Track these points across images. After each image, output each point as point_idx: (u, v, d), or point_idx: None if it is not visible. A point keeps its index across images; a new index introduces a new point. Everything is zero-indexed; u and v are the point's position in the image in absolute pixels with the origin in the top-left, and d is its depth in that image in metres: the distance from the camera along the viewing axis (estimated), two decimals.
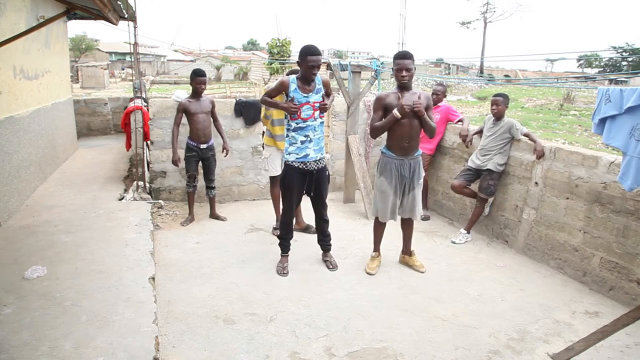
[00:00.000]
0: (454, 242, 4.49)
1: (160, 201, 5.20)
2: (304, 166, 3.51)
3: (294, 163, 3.49)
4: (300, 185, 3.57)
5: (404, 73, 3.37)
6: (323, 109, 3.48)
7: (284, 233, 3.73)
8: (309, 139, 3.48)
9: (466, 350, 2.76)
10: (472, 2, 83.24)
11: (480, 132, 4.62)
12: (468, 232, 4.56)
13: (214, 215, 4.90)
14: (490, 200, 4.57)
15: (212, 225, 4.70)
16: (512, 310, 3.25)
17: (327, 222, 3.82)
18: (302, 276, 3.66)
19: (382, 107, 3.49)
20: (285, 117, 3.51)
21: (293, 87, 3.42)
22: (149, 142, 5.45)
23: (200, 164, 4.66)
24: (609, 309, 3.28)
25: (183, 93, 5.44)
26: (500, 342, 2.86)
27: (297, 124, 3.45)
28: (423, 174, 3.71)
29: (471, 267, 3.96)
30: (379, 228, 3.83)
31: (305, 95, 3.42)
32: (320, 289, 3.47)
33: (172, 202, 5.32)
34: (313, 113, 3.46)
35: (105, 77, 22.24)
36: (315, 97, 3.46)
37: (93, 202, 4.93)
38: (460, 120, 5.07)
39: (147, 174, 5.52)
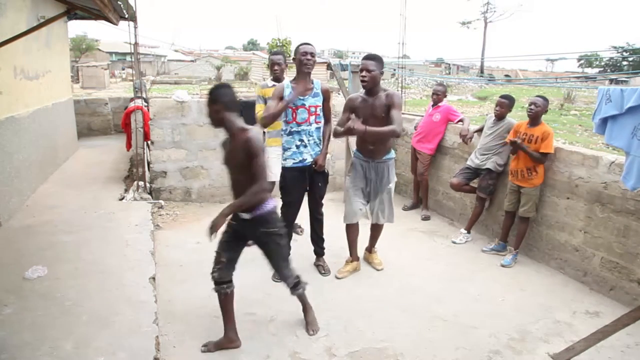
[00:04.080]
0: (454, 242, 4.48)
1: (160, 201, 5.21)
2: (302, 166, 3.48)
3: (292, 166, 3.47)
4: (300, 183, 3.52)
5: (364, 73, 3.27)
6: (319, 167, 3.45)
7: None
8: (303, 143, 3.43)
9: (467, 350, 2.76)
10: (472, 2, 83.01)
11: (480, 131, 4.62)
12: (468, 232, 4.56)
13: None
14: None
15: None
16: (513, 310, 3.25)
17: (320, 221, 3.75)
18: (302, 276, 3.65)
19: (349, 109, 3.45)
20: (283, 120, 3.48)
21: (288, 91, 3.38)
22: (149, 142, 5.45)
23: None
24: (609, 309, 3.28)
25: (184, 93, 5.44)
26: (501, 342, 2.86)
27: (291, 127, 3.41)
28: (394, 179, 3.58)
29: (471, 267, 3.96)
30: (348, 230, 3.72)
31: (301, 97, 3.37)
32: (320, 289, 3.46)
33: (173, 202, 5.32)
34: (308, 117, 3.40)
35: (105, 77, 22.24)
36: (312, 101, 3.41)
37: (93, 202, 4.93)
38: (460, 120, 5.07)
39: (147, 174, 5.52)
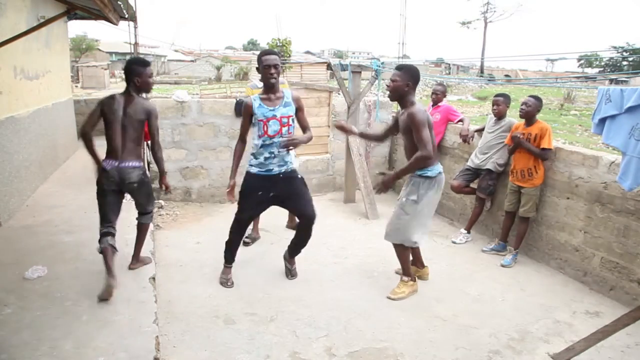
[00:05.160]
0: (454, 242, 4.49)
1: (160, 201, 5.20)
2: (266, 174, 3.31)
3: (256, 173, 3.32)
4: (260, 193, 3.32)
5: (388, 83, 3.24)
6: (290, 144, 3.18)
7: (230, 242, 3.51)
8: (273, 155, 3.26)
9: (467, 350, 2.76)
10: (472, 2, 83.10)
11: (481, 131, 4.62)
12: (468, 232, 4.56)
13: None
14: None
15: (213, 225, 4.70)
16: (513, 310, 3.25)
17: (308, 231, 3.44)
18: (302, 276, 3.65)
19: (395, 120, 3.46)
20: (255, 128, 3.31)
21: (256, 104, 3.20)
22: (149, 142, 5.44)
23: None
24: (609, 309, 3.28)
25: (184, 93, 5.44)
26: (501, 342, 2.86)
27: (263, 141, 3.23)
28: (412, 197, 3.19)
29: (471, 267, 3.96)
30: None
31: (271, 108, 3.21)
32: (320, 289, 3.47)
33: (173, 202, 5.32)
34: (280, 129, 3.21)
35: (105, 77, 22.27)
36: (283, 111, 3.23)
37: (94, 202, 4.89)
38: (460, 120, 5.07)
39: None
